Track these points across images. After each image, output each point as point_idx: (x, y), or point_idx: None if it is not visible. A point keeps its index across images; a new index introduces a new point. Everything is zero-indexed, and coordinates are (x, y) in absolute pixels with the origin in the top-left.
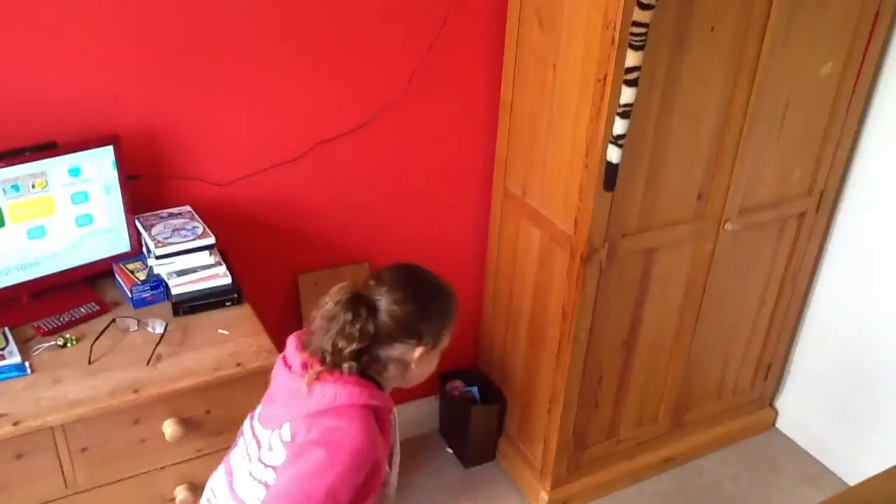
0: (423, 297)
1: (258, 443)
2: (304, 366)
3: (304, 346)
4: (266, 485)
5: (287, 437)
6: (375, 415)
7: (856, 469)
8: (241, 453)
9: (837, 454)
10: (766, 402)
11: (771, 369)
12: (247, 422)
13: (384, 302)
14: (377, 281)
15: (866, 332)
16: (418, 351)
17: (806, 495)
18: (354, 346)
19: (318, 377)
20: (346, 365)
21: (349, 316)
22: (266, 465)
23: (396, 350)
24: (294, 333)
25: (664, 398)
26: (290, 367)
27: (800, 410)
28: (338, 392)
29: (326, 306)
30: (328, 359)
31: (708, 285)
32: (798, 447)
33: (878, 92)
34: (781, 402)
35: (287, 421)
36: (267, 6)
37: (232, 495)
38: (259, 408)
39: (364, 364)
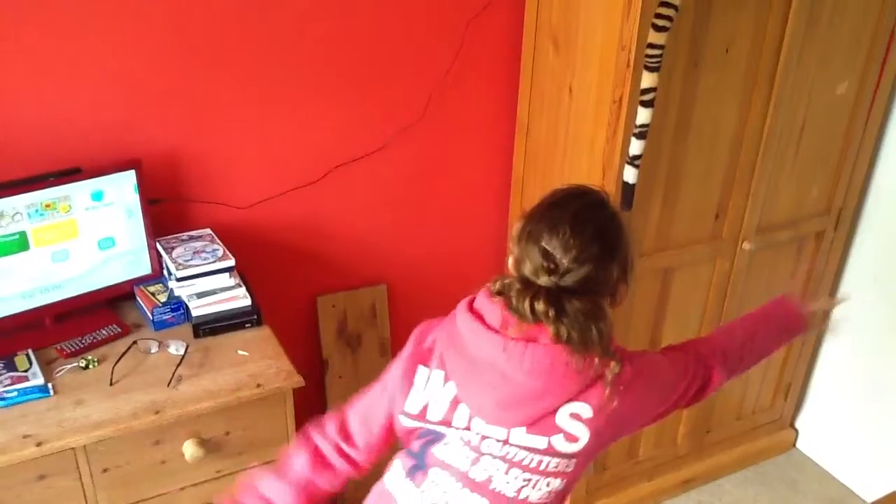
0: (604, 246)
1: (530, 449)
2: (568, 348)
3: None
4: (564, 473)
5: (587, 413)
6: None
7: (879, 490)
8: (496, 481)
9: (860, 475)
10: (787, 422)
11: (791, 389)
12: (457, 448)
13: (569, 277)
14: (547, 257)
15: (887, 350)
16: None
17: None
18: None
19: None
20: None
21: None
22: (560, 456)
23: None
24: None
25: (683, 419)
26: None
27: (821, 430)
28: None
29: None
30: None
31: (726, 305)
32: (820, 468)
33: None
34: (802, 422)
35: (563, 404)
36: (286, 33)
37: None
38: (471, 422)
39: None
